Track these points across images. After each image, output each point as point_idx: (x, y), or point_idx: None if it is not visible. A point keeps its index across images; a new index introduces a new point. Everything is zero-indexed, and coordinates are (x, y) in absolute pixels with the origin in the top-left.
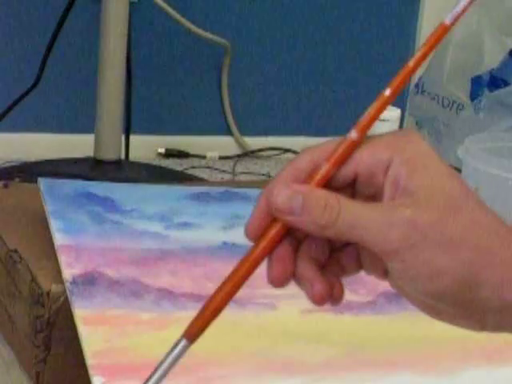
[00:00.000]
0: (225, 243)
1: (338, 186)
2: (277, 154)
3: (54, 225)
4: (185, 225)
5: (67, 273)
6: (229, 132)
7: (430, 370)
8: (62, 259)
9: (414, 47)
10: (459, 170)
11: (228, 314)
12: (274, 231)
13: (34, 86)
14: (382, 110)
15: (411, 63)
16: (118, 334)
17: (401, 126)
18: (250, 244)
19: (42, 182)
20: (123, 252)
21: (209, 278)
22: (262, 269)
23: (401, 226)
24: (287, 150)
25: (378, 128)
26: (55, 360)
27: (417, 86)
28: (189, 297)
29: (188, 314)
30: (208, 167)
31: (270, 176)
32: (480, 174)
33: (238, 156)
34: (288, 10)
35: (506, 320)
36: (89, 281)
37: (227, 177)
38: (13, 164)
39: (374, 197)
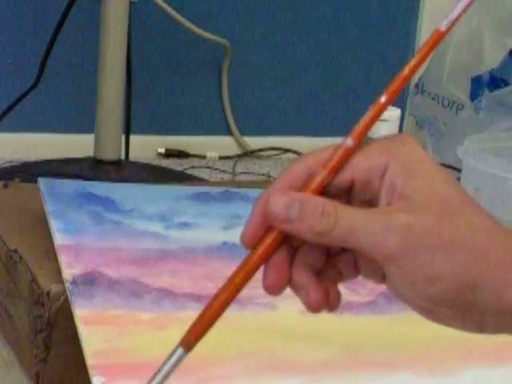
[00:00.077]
0: (225, 243)
1: (333, 193)
2: (277, 154)
3: (54, 225)
4: (185, 225)
5: (67, 273)
6: (229, 132)
7: (430, 370)
8: (62, 259)
9: (413, 47)
10: (459, 170)
11: (228, 314)
12: (270, 239)
13: (34, 86)
14: (378, 116)
15: (406, 70)
16: (118, 334)
17: (401, 125)
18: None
19: (42, 182)
20: (123, 252)
21: (209, 277)
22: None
23: (398, 231)
24: (287, 150)
25: (378, 128)
26: (55, 360)
27: (417, 86)
28: (189, 297)
29: (188, 314)
30: (208, 167)
31: (270, 176)
32: (480, 174)
33: (238, 156)
34: (288, 10)
35: (504, 322)
36: (89, 281)
37: (227, 177)
38: (13, 164)
39: (370, 203)
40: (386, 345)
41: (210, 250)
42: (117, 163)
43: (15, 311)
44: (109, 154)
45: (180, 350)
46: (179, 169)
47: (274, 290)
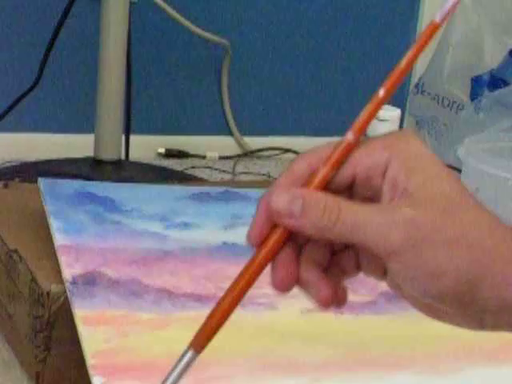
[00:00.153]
0: (225, 243)
1: (336, 189)
2: (277, 154)
3: (54, 225)
4: (185, 225)
5: (67, 273)
6: (229, 132)
7: (430, 369)
8: (62, 259)
9: None
10: (459, 170)
11: None
12: (275, 237)
13: (34, 86)
14: (377, 110)
15: (403, 63)
16: (118, 334)
17: (401, 126)
18: (248, 245)
19: (42, 182)
20: (123, 252)
21: (209, 277)
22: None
23: (401, 226)
24: (287, 150)
25: (378, 128)
26: (55, 360)
27: (417, 86)
28: (189, 297)
29: (188, 314)
30: (208, 167)
31: (270, 176)
32: (480, 174)
33: (238, 156)
34: (288, 10)
35: (504, 319)
36: (89, 281)
37: (227, 177)
38: (13, 164)
39: (372, 199)
40: (386, 345)
41: (210, 250)
42: (117, 163)
43: (15, 311)
44: (109, 154)
45: (190, 353)
46: (179, 169)
47: (283, 287)
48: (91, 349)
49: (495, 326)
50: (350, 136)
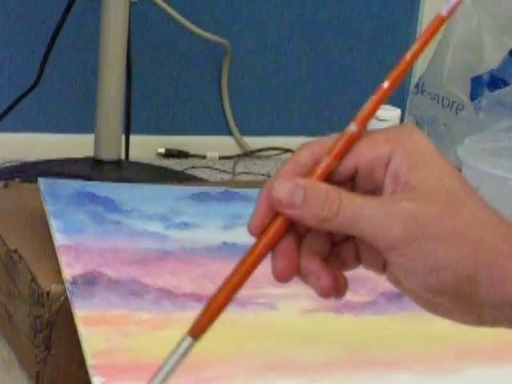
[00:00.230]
0: (225, 243)
1: (338, 181)
2: (277, 154)
3: (54, 225)
4: (185, 225)
5: (67, 273)
6: (229, 132)
7: (430, 369)
8: (62, 259)
9: None
10: (459, 170)
11: (228, 314)
12: (276, 226)
13: (34, 86)
14: (381, 102)
15: (408, 55)
16: (118, 334)
17: None
18: (251, 243)
19: (42, 182)
20: (123, 252)
21: (209, 277)
22: (263, 269)
23: (402, 219)
24: (287, 150)
25: (378, 128)
26: (55, 360)
27: (417, 86)
28: (189, 297)
29: (188, 314)
30: (208, 167)
31: (269, 176)
32: (480, 174)
33: (238, 156)
34: (288, 10)
35: (504, 315)
36: (89, 281)
37: (227, 177)
38: (13, 164)
39: (374, 192)
40: (386, 345)
41: (210, 250)
42: (117, 163)
43: (15, 311)
44: (109, 154)
45: (188, 339)
46: (179, 169)
47: (283, 276)
48: (91, 349)
49: (494, 322)
50: (353, 127)
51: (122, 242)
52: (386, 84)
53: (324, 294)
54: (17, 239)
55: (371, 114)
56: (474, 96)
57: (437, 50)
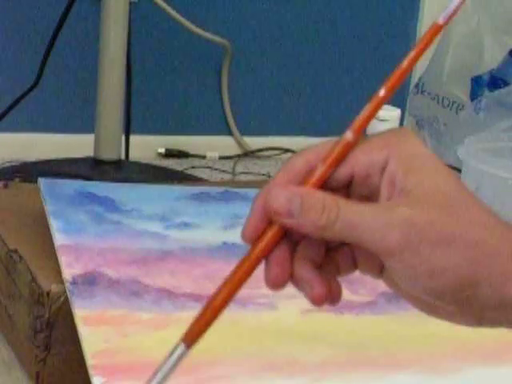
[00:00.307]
0: (225, 243)
1: (333, 188)
2: (277, 154)
3: (54, 225)
4: (185, 225)
5: (67, 273)
6: (229, 132)
7: (430, 369)
8: (62, 259)
9: None
10: (459, 170)
11: (228, 314)
12: (270, 234)
13: (34, 86)
14: (377, 110)
15: (405, 63)
16: (118, 334)
17: (401, 126)
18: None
19: (42, 182)
20: (123, 252)
21: (209, 277)
22: (263, 269)
23: (399, 225)
24: (287, 150)
25: (378, 128)
26: (55, 360)
27: (417, 86)
28: (189, 297)
29: (188, 314)
30: (208, 167)
31: (269, 176)
32: (480, 174)
33: (238, 156)
34: (288, 9)
35: (503, 316)
36: (89, 281)
37: (227, 177)
38: (13, 164)
39: (370, 198)
40: (386, 345)
41: (210, 250)
42: (117, 163)
43: (15, 311)
44: (109, 154)
45: (181, 347)
46: (179, 169)
47: (276, 284)
48: (91, 349)
49: (494, 323)
50: (349, 135)
51: (122, 242)
52: (381, 92)
53: (317, 302)
54: (17, 239)
55: (367, 121)
56: (473, 96)
57: (437, 50)
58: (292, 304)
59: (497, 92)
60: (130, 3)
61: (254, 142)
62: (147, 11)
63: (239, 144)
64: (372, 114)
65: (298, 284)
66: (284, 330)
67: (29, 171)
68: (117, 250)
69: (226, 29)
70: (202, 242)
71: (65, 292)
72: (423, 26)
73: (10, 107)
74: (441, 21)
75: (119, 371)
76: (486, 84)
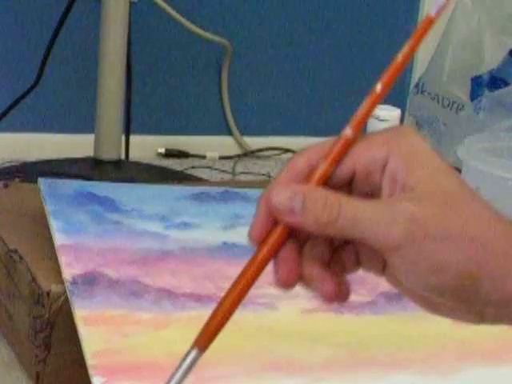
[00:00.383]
0: (225, 243)
1: (335, 185)
2: (277, 154)
3: (54, 225)
4: (185, 225)
5: (67, 273)
6: (229, 132)
7: (430, 369)
8: (62, 259)
9: None
10: (459, 170)
11: None
12: (276, 234)
13: (34, 86)
14: (375, 105)
15: (400, 57)
16: (118, 334)
17: None
18: (250, 244)
19: (42, 182)
20: (123, 252)
21: (209, 278)
22: (263, 269)
23: (402, 221)
24: (287, 150)
25: (379, 128)
26: (55, 360)
27: (417, 85)
28: (189, 297)
29: (188, 314)
30: (208, 167)
31: (270, 176)
32: (480, 174)
33: (238, 156)
34: (288, 9)
35: (505, 313)
36: (89, 281)
37: (227, 177)
38: (13, 164)
39: (372, 194)
40: (386, 344)
41: (210, 250)
42: (117, 163)
43: (15, 311)
44: (109, 154)
45: (194, 352)
46: (179, 169)
47: (286, 284)
48: (91, 349)
49: (495, 320)
50: (348, 131)
51: (122, 242)
52: (378, 87)
53: (327, 299)
54: (17, 239)
55: (366, 117)
56: (473, 96)
57: (437, 50)
58: (292, 304)
59: (497, 92)
60: (130, 3)
61: (253, 141)
62: (147, 11)
63: (239, 144)
64: (370, 110)
65: (308, 283)
66: (284, 330)
67: (29, 171)
68: (117, 249)
69: (225, 29)
70: (202, 242)
71: (65, 292)
72: None
73: (10, 107)
74: (433, 13)
75: (119, 371)
76: (486, 84)
